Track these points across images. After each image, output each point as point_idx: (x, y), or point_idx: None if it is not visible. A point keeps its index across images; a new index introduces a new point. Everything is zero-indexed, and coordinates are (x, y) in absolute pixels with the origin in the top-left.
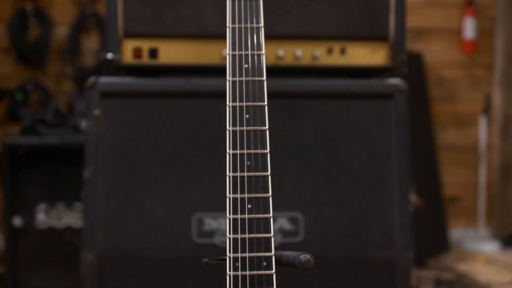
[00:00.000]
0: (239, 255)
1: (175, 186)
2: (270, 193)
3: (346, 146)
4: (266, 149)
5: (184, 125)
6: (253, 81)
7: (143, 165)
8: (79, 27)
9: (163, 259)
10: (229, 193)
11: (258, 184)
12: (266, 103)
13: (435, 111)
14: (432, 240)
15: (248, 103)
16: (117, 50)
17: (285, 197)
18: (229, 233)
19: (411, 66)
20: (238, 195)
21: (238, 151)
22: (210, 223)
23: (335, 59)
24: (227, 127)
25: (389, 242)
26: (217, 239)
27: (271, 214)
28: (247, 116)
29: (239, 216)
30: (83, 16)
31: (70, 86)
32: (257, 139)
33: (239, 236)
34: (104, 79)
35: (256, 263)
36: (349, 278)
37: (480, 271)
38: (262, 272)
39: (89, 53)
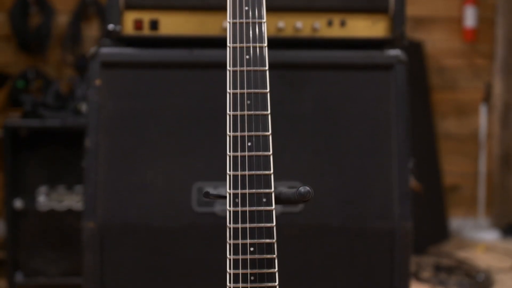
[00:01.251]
0: (239, 191)
1: (176, 155)
2: (269, 132)
3: (345, 116)
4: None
5: (185, 95)
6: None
7: (144, 134)
8: (80, 15)
9: (163, 228)
10: (229, 131)
11: (258, 123)
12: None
13: (435, 100)
14: (431, 229)
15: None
16: (118, 21)
17: (284, 167)
18: (229, 170)
19: (412, 55)
20: (238, 133)
21: (238, 90)
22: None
23: (335, 31)
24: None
25: (388, 212)
26: (217, 208)
27: (270, 152)
28: (247, 57)
29: (239, 153)
30: (83, 4)
31: (71, 73)
32: (257, 80)
33: (239, 172)
34: (105, 49)
35: (255, 200)
36: (348, 247)
37: (479, 258)
38: (262, 208)
39: (90, 41)
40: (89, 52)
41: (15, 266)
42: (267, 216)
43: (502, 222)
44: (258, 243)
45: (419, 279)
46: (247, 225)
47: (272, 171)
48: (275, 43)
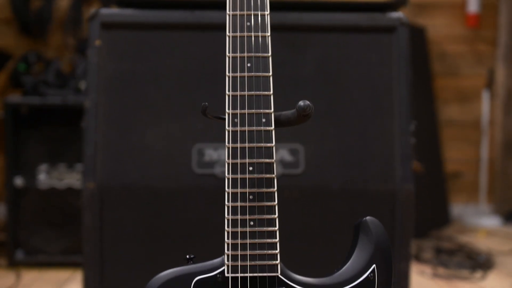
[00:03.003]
0: (238, 111)
1: (176, 117)
2: (269, 53)
3: (347, 79)
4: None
5: (185, 57)
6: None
7: (144, 96)
8: None
9: (163, 189)
10: (229, 53)
11: (258, 45)
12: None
13: (437, 86)
14: (433, 215)
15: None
16: None
17: (285, 129)
18: (228, 91)
19: (414, 41)
20: (238, 54)
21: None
22: (211, 153)
23: None
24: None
25: (389, 174)
26: (217, 170)
27: (270, 73)
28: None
29: (238, 74)
30: None
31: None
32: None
33: (238, 93)
34: (105, 10)
35: (255, 120)
36: (349, 209)
37: (480, 242)
38: (261, 128)
39: None
40: (90, 13)
41: (16, 244)
42: (267, 136)
43: (503, 208)
44: (257, 163)
45: (420, 260)
46: (246, 144)
47: (271, 91)
48: (277, 5)
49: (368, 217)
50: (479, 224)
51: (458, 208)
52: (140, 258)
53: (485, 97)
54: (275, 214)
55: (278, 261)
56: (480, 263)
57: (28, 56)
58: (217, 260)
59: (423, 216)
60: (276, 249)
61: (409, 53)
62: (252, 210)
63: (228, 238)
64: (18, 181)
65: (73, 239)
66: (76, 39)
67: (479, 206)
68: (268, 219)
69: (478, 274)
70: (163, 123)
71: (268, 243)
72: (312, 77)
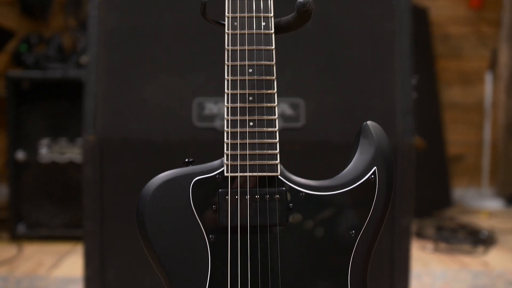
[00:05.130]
0: (237, 14)
1: (176, 71)
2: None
3: (348, 32)
4: None
5: (186, 10)
6: None
7: (144, 49)
8: None
9: (163, 142)
10: (228, 46)
11: (260, 38)
12: None
13: (439, 68)
14: (435, 197)
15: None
16: None
17: (286, 83)
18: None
19: (416, 22)
20: (238, 47)
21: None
22: (211, 107)
23: None
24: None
25: (391, 127)
26: (217, 123)
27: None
28: None
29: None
30: None
31: None
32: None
33: None
34: None
35: (255, 23)
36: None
37: (483, 222)
38: (261, 31)
39: None
40: None
41: (17, 218)
42: (266, 39)
43: (506, 191)
44: (257, 65)
45: (421, 236)
46: (246, 47)
47: None
48: None
49: (369, 121)
50: (481, 206)
51: (460, 191)
52: None
53: (488, 79)
54: (275, 115)
55: (277, 161)
56: (482, 239)
57: (30, 38)
58: (216, 162)
59: (425, 198)
60: (276, 149)
61: (410, 6)
62: (252, 111)
63: (227, 139)
64: (20, 155)
65: (74, 212)
66: (77, 21)
67: (482, 189)
68: (268, 120)
69: (480, 249)
70: (163, 76)
71: (268, 143)
72: (312, 29)
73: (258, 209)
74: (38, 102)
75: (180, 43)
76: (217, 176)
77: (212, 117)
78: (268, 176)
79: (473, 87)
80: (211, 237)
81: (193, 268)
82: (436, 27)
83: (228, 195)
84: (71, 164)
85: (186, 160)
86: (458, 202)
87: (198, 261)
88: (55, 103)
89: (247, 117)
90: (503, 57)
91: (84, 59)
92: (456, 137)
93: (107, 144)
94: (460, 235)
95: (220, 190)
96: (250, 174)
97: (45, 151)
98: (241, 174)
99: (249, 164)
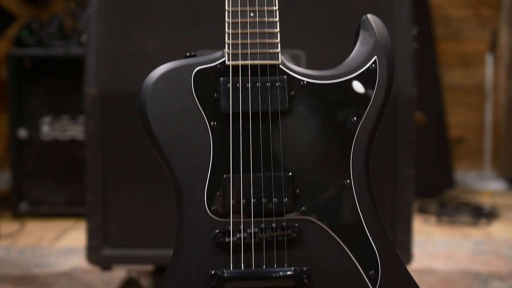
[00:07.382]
0: None
1: (177, 24)
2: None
3: None
4: None
5: None
6: None
7: (144, 3)
8: None
9: None
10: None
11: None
12: None
13: (440, 50)
14: (437, 179)
15: None
16: None
17: (287, 35)
18: None
19: (416, 5)
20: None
21: None
22: None
23: None
24: None
25: None
26: None
27: None
28: None
29: None
30: None
31: None
32: None
33: None
34: None
35: None
36: None
37: (485, 202)
38: None
39: None
40: None
41: (20, 195)
42: None
43: (508, 173)
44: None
45: (424, 212)
46: None
47: None
48: None
49: (368, 14)
50: (483, 188)
51: (462, 173)
52: (141, 165)
53: (488, 61)
54: (275, 6)
55: (278, 50)
56: (485, 213)
57: (31, 24)
58: (217, 53)
59: (427, 180)
60: (277, 39)
61: None
62: (253, 2)
63: (228, 28)
64: (22, 133)
65: (76, 190)
66: (77, 4)
67: (484, 171)
68: (268, 10)
69: (483, 222)
70: (164, 30)
71: (269, 33)
72: None
73: (260, 96)
74: (40, 80)
75: None
76: (218, 65)
77: None
78: (269, 64)
79: (473, 69)
80: (213, 124)
81: (195, 154)
82: (436, 9)
83: (229, 83)
84: (73, 141)
85: (188, 54)
86: (460, 184)
87: (200, 148)
88: (57, 81)
89: (247, 8)
90: (503, 39)
91: (84, 37)
92: (457, 119)
93: (108, 96)
94: (463, 210)
95: (221, 78)
96: (252, 62)
97: (47, 129)
98: (242, 62)
99: (250, 53)
